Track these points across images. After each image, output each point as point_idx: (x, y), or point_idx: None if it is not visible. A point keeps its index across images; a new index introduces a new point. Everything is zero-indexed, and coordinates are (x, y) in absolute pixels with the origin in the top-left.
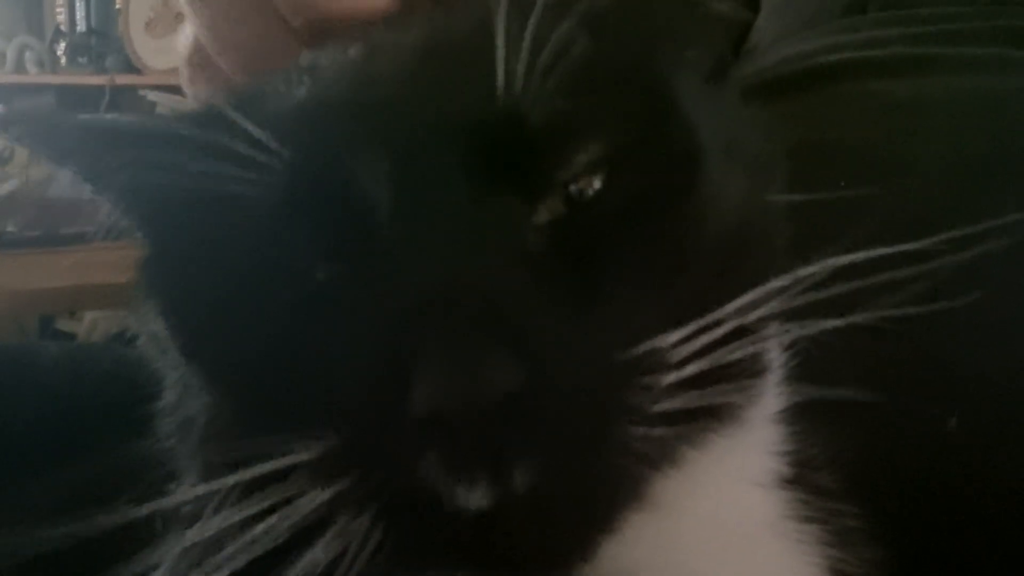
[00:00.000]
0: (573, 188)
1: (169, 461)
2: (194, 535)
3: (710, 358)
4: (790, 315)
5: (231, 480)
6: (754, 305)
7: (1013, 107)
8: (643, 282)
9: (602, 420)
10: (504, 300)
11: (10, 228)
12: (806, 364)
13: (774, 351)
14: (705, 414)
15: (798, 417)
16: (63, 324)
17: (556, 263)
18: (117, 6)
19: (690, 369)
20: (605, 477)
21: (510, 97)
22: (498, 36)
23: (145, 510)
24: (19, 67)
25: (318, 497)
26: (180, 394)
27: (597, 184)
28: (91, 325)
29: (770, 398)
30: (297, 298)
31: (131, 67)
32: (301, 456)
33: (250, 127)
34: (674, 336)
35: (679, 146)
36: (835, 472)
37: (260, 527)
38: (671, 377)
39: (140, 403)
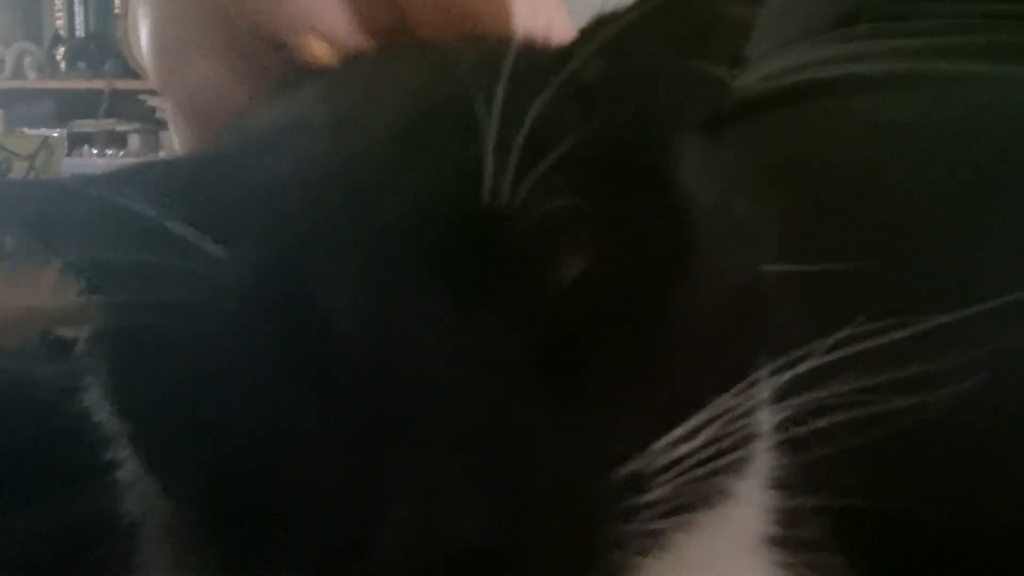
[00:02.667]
0: (561, 290)
1: (133, 534)
2: None
3: (703, 454)
4: (789, 387)
5: None
6: (747, 397)
7: (1005, 124)
8: (632, 381)
9: (583, 556)
10: (480, 424)
11: (8, 240)
12: (794, 434)
13: (764, 418)
14: (694, 503)
15: (785, 479)
16: (63, 331)
17: (537, 372)
18: (116, 11)
19: (681, 479)
20: None
21: (496, 203)
22: (486, 126)
23: None
24: (18, 73)
25: None
26: (137, 476)
27: (584, 280)
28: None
29: (759, 466)
30: (255, 414)
31: (130, 71)
32: None
33: (205, 243)
34: (663, 442)
35: (674, 228)
36: (820, 521)
37: None
38: (659, 492)
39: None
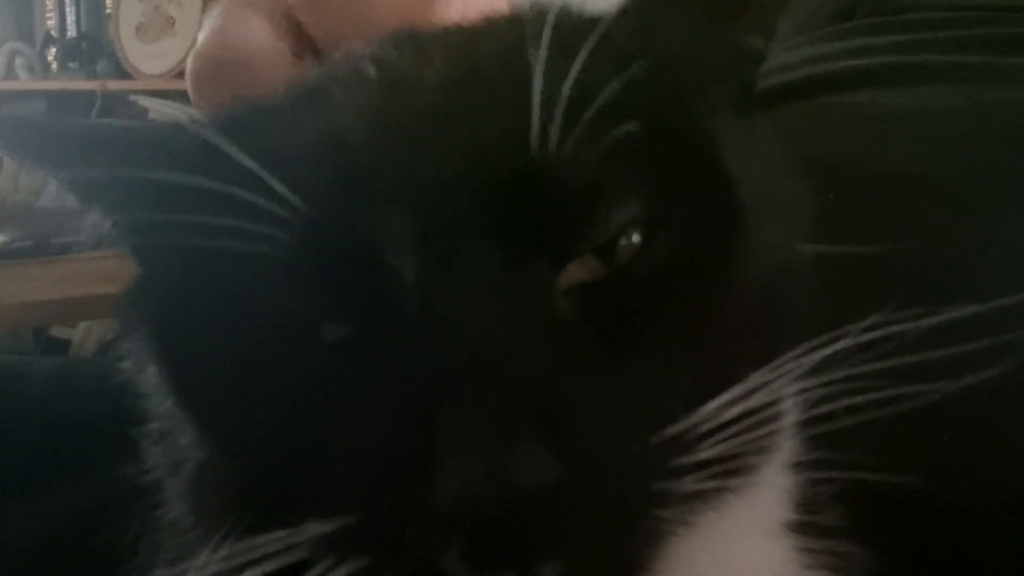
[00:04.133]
0: (611, 253)
1: (156, 492)
2: None
3: (742, 427)
4: (815, 372)
5: (236, 553)
6: (786, 370)
7: (1005, 118)
8: (677, 350)
9: (632, 509)
10: (536, 376)
11: (1, 239)
12: (817, 420)
13: (790, 403)
14: (727, 478)
15: (808, 466)
16: (57, 331)
17: (588, 331)
18: (107, 11)
19: (723, 446)
20: (627, 559)
21: (545, 154)
22: (534, 88)
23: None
24: (9, 73)
25: (331, 571)
26: (169, 427)
27: (634, 243)
28: (85, 333)
29: (784, 451)
30: (308, 363)
31: (122, 72)
32: (314, 530)
33: (273, 182)
34: (708, 408)
35: (720, 203)
36: (841, 509)
37: None
38: (703, 454)
39: (129, 424)
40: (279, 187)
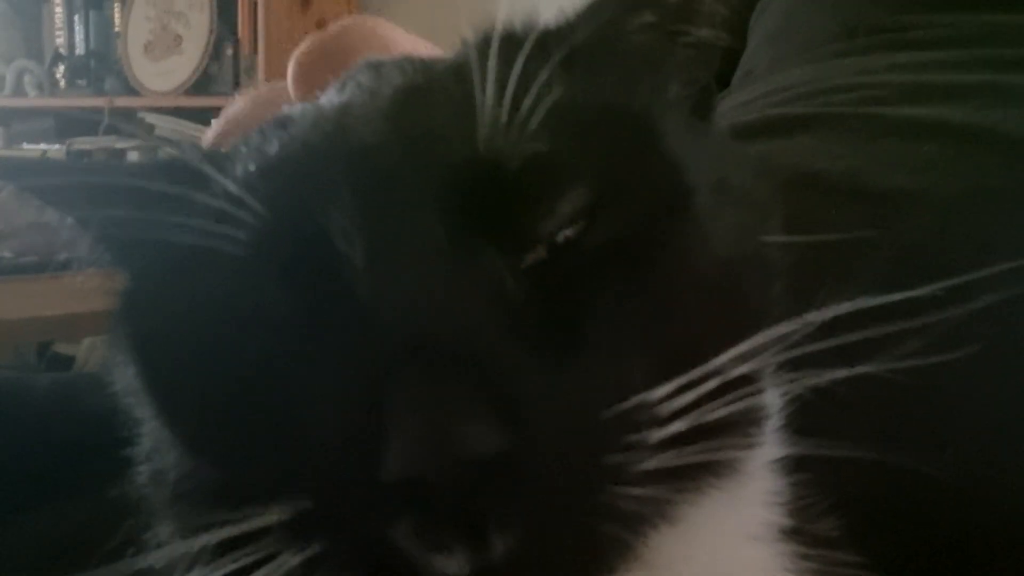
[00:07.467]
0: (557, 235)
1: (145, 510)
2: None
3: (701, 412)
4: (793, 364)
5: (201, 541)
6: (749, 355)
7: (1004, 138)
8: (630, 330)
9: (587, 483)
10: (484, 351)
11: (5, 254)
12: (803, 414)
13: (772, 397)
14: (699, 469)
15: (797, 465)
16: (61, 347)
17: (537, 311)
18: (116, 29)
19: (679, 424)
20: (591, 541)
21: (490, 146)
22: (479, 83)
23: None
24: (18, 90)
25: (290, 560)
26: (154, 442)
27: (580, 223)
28: (89, 348)
29: (768, 447)
30: (268, 354)
31: (130, 89)
32: (272, 518)
33: (225, 182)
34: (664, 389)
35: (665, 186)
36: (836, 519)
37: None
38: (660, 433)
39: (126, 442)
40: (234, 188)
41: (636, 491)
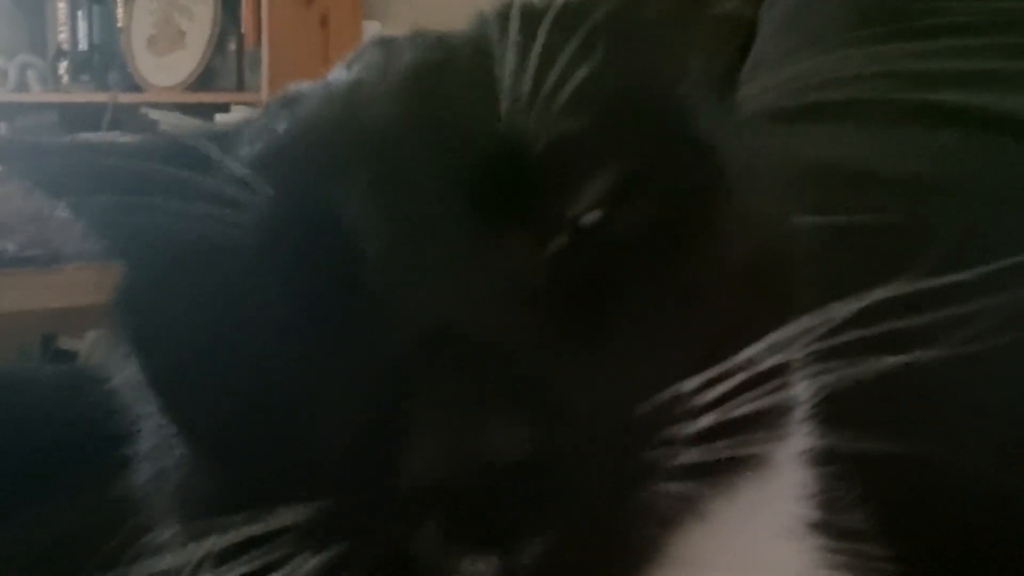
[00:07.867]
0: (583, 219)
1: (145, 509)
2: None
3: (733, 404)
4: (826, 354)
5: (210, 543)
6: (781, 345)
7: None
8: (660, 320)
9: (620, 483)
10: (510, 345)
11: (9, 247)
12: (830, 404)
13: (802, 389)
14: (730, 463)
15: (825, 457)
16: (65, 343)
17: (564, 300)
18: (119, 24)
19: (713, 417)
20: (623, 540)
21: (513, 124)
22: (501, 57)
23: None
24: (21, 85)
25: (308, 562)
26: (156, 440)
27: (607, 209)
28: (93, 344)
29: (797, 438)
30: (279, 347)
31: (133, 84)
32: (289, 519)
33: (230, 163)
34: (695, 381)
35: (694, 168)
36: (865, 511)
37: None
38: (693, 427)
39: (126, 439)
40: (239, 170)
41: (668, 487)
